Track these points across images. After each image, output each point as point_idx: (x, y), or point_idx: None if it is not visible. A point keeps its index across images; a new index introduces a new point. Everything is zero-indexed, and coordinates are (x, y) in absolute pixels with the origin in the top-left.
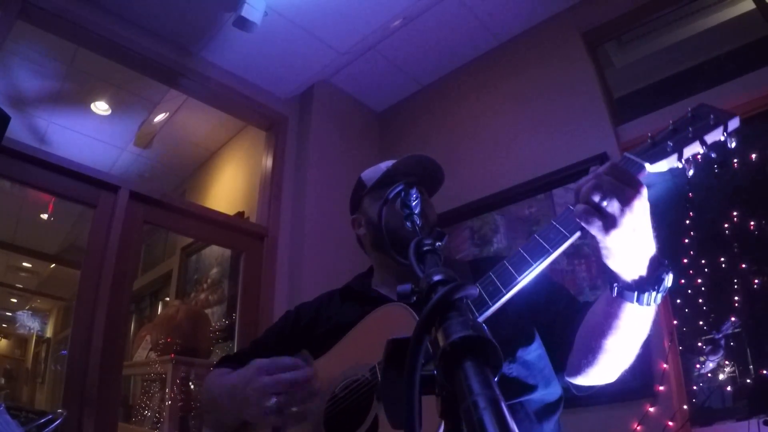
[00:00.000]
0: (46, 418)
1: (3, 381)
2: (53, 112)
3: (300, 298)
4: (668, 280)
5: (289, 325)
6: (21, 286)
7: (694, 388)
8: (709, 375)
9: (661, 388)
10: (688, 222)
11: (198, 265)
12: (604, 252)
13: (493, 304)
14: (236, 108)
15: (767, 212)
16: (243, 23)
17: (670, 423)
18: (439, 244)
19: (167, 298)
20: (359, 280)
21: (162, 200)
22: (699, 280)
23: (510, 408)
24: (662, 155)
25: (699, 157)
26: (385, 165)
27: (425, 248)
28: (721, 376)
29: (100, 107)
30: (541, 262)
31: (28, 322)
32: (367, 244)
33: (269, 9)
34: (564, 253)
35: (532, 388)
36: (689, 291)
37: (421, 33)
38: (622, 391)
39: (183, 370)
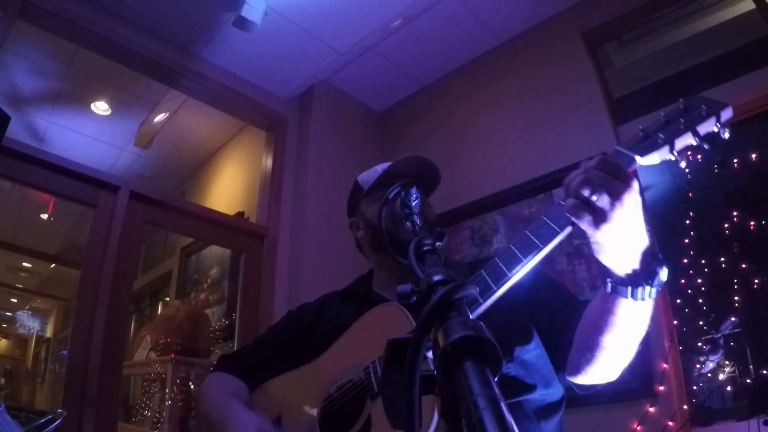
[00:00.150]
0: (46, 418)
1: (3, 381)
2: (53, 112)
3: (300, 298)
4: (663, 274)
5: (291, 325)
6: (21, 286)
7: (694, 388)
8: (709, 375)
9: (661, 388)
10: (688, 222)
11: (198, 265)
12: (595, 247)
13: (484, 301)
14: (236, 108)
15: (767, 212)
16: (243, 23)
17: (670, 423)
18: (439, 244)
19: (167, 298)
20: (360, 282)
21: (162, 200)
22: (699, 280)
23: (509, 407)
24: (653, 147)
25: (692, 149)
26: (381, 167)
27: (425, 248)
28: (721, 376)
29: (100, 107)
30: (532, 258)
31: (28, 322)
32: (366, 247)
33: (269, 9)
34: (564, 252)
35: (530, 388)
36: (689, 291)
37: (421, 33)
38: (622, 391)
39: (183, 370)
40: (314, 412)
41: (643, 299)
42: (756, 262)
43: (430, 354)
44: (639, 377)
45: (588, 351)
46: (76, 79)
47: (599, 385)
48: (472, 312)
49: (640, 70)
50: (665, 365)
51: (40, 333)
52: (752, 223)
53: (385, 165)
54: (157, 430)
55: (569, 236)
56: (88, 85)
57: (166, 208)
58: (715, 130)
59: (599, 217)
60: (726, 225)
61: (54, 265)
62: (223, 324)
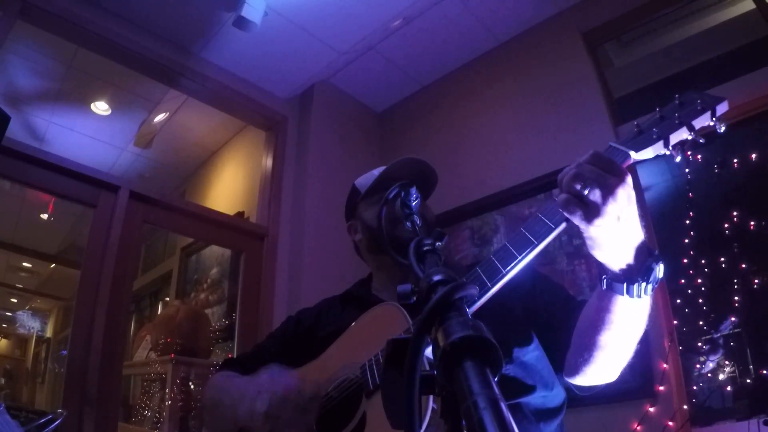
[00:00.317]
0: (46, 418)
1: (3, 381)
2: (53, 112)
3: (300, 298)
4: (659, 270)
5: (291, 329)
6: (21, 286)
7: (694, 388)
8: (709, 375)
9: (661, 388)
10: (688, 222)
11: (198, 265)
12: (588, 242)
13: (480, 298)
14: (236, 108)
15: (767, 212)
16: (243, 23)
17: (670, 423)
18: (439, 244)
19: (167, 298)
20: (359, 285)
21: (162, 200)
22: (699, 280)
23: (508, 408)
24: (648, 143)
25: (687, 143)
26: (378, 171)
27: (425, 248)
28: (721, 376)
29: (100, 107)
30: (527, 255)
31: (28, 322)
32: (364, 249)
33: (269, 9)
34: (564, 253)
35: (530, 389)
36: (689, 291)
37: (421, 33)
38: (622, 391)
39: (183, 370)
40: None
41: (639, 296)
42: (756, 262)
43: (430, 354)
44: (639, 377)
45: (585, 350)
46: (76, 79)
47: (598, 387)
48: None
49: (640, 70)
50: (665, 365)
51: (40, 333)
52: (752, 223)
53: (382, 169)
54: (157, 430)
55: (569, 236)
56: (88, 85)
57: (166, 208)
58: (711, 124)
59: (591, 211)
60: (726, 225)
61: (54, 265)
62: (223, 324)
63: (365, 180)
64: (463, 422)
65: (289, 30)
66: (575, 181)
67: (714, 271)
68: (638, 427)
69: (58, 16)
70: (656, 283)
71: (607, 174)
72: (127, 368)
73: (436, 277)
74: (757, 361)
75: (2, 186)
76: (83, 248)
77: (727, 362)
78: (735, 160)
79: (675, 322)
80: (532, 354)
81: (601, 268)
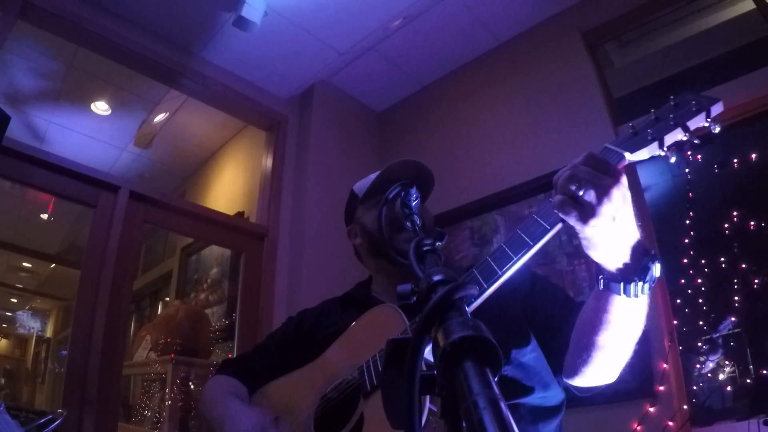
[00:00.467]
0: (46, 418)
1: (3, 381)
2: (53, 112)
3: (300, 298)
4: (655, 269)
5: (291, 330)
6: (21, 286)
7: (694, 388)
8: (709, 375)
9: (661, 388)
10: (688, 222)
11: (198, 265)
12: (584, 243)
13: (475, 299)
14: (236, 108)
15: (767, 212)
16: (243, 23)
17: (670, 423)
18: (439, 244)
19: (167, 298)
20: (359, 287)
21: (162, 200)
22: (699, 280)
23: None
24: (642, 144)
25: (682, 144)
26: (376, 176)
27: (425, 248)
28: (721, 376)
29: (100, 107)
30: (523, 256)
31: (28, 322)
32: (364, 253)
33: (269, 9)
34: (564, 253)
35: (528, 390)
36: (689, 291)
37: (421, 33)
38: (622, 391)
39: (183, 370)
40: (311, 411)
41: (636, 296)
42: (756, 262)
43: (429, 354)
44: (639, 377)
45: (584, 351)
46: (76, 79)
47: (598, 388)
48: None
49: (640, 70)
50: (665, 365)
51: (40, 333)
52: (752, 223)
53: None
54: (157, 430)
55: (569, 236)
56: (88, 85)
57: (166, 208)
58: (706, 125)
59: (586, 212)
60: (726, 225)
61: (54, 265)
62: (223, 324)
63: (363, 184)
64: (463, 422)
65: (289, 30)
66: (570, 182)
67: (714, 271)
68: (638, 427)
69: (58, 16)
70: (653, 282)
71: (602, 175)
72: (127, 368)
73: (436, 277)
74: (757, 361)
75: (2, 186)
76: (83, 248)
77: (727, 362)
78: (735, 160)
79: (675, 322)
80: (531, 355)
81: (598, 269)
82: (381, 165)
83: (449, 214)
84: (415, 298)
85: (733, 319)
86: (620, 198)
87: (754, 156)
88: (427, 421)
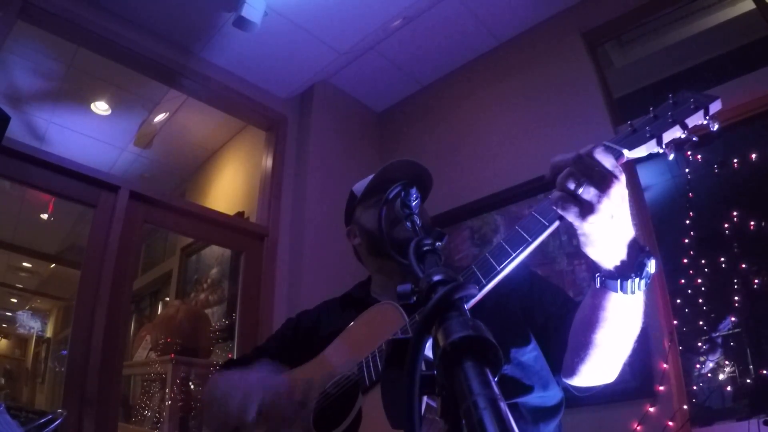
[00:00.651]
0: (46, 418)
1: (3, 381)
2: (53, 112)
3: (300, 298)
4: (651, 266)
5: (291, 331)
6: (21, 286)
7: (694, 388)
8: (709, 375)
9: (661, 388)
10: (688, 222)
11: (198, 265)
12: (582, 239)
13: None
14: (236, 108)
15: (767, 212)
16: (243, 23)
17: (670, 423)
18: (439, 244)
19: (167, 298)
20: (359, 288)
21: (162, 200)
22: (699, 280)
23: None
24: (641, 141)
25: (681, 141)
26: (374, 175)
27: (425, 248)
28: (721, 376)
29: (100, 107)
30: (521, 252)
31: (28, 322)
32: (364, 253)
33: (269, 9)
34: (564, 253)
35: (528, 390)
36: (689, 291)
37: (421, 33)
38: (622, 391)
39: (183, 370)
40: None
41: (633, 292)
42: (756, 262)
43: (430, 353)
44: (639, 377)
45: (582, 349)
46: (76, 79)
47: (596, 387)
48: None
49: (640, 70)
50: (665, 365)
51: (40, 333)
52: (752, 223)
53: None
54: (157, 430)
55: (569, 236)
56: (88, 85)
57: (166, 208)
58: (704, 122)
59: (586, 209)
60: (726, 225)
61: (54, 265)
62: (223, 324)
63: (362, 185)
64: (463, 422)
65: (289, 30)
66: (569, 179)
67: (714, 271)
68: (638, 427)
69: (58, 16)
70: (649, 279)
71: (601, 172)
72: (127, 368)
73: (436, 277)
74: (757, 361)
75: (2, 186)
76: (83, 248)
77: (726, 362)
78: (735, 160)
79: (675, 322)
80: (530, 355)
81: (595, 266)
82: (381, 165)
83: (449, 214)
84: (415, 298)
85: (733, 319)
86: (619, 196)
87: (754, 156)
88: (424, 418)
